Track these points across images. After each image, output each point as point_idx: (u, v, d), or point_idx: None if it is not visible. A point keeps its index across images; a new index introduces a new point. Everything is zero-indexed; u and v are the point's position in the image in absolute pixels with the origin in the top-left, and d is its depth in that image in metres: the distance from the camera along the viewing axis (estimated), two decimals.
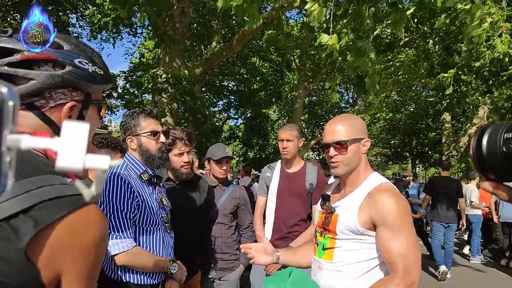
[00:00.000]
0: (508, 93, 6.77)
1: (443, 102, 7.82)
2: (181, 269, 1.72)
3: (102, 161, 0.41)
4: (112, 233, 1.48)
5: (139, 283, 1.56)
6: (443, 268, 5.63)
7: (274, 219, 2.58)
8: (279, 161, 2.72)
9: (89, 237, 0.64)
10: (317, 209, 1.60)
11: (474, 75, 6.53)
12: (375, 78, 4.05)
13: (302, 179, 2.56)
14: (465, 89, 6.99)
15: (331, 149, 1.40)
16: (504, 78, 5.96)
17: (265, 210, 2.72)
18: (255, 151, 20.96)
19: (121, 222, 1.51)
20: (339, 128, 1.41)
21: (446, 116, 14.06)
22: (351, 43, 3.61)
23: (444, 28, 6.21)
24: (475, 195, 7.06)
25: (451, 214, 5.72)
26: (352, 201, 1.37)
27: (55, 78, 0.73)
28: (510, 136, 0.58)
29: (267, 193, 2.66)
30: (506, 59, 5.20)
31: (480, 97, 8.50)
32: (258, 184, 2.74)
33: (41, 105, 0.74)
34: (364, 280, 1.30)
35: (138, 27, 12.13)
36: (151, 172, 1.73)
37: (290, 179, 2.58)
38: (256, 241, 2.64)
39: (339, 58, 3.99)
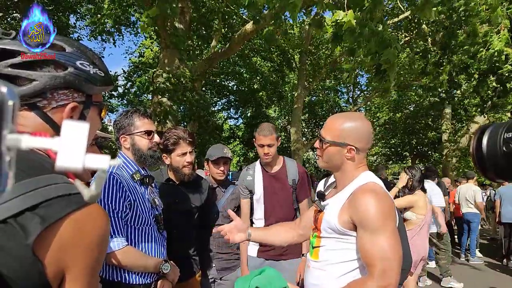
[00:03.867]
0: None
1: (438, 95, 7.87)
2: (173, 269, 1.72)
3: (102, 161, 0.41)
4: None
5: (131, 282, 1.56)
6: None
7: (263, 223, 2.54)
8: (258, 162, 2.65)
9: (94, 234, 0.66)
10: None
11: (472, 72, 6.54)
12: (395, 65, 4.06)
13: (284, 177, 2.54)
14: (460, 92, 7.00)
15: (318, 141, 1.43)
16: (496, 77, 5.96)
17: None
18: (256, 151, 20.94)
19: (113, 222, 1.51)
20: (329, 125, 1.40)
21: (446, 113, 14.03)
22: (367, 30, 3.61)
23: (442, 22, 6.21)
24: (479, 196, 7.07)
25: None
26: (337, 200, 1.36)
27: (57, 79, 0.74)
28: (510, 136, 0.58)
29: (250, 196, 2.60)
30: (503, 57, 5.20)
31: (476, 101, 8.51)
32: (238, 187, 2.65)
33: (43, 105, 0.75)
34: (346, 280, 1.29)
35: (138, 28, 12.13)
36: (143, 172, 1.74)
37: (273, 179, 2.55)
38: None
39: (355, 47, 3.95)
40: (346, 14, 3.44)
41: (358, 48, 3.93)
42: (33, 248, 0.58)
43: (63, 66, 0.76)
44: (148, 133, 1.72)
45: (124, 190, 1.55)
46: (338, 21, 3.50)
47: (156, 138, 1.76)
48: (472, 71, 6.42)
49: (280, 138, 2.57)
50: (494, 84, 6.38)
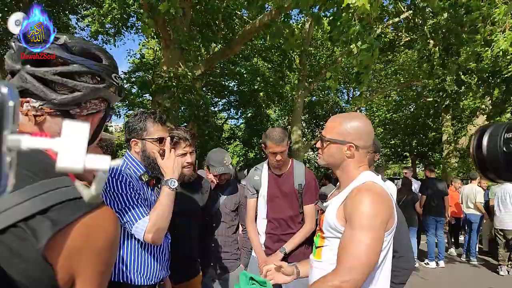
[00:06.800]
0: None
1: (442, 99, 7.84)
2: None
3: (103, 162, 0.41)
4: (130, 220, 1.47)
5: (134, 283, 1.55)
6: (433, 264, 6.46)
7: (266, 223, 2.51)
8: (265, 163, 2.62)
9: (105, 238, 0.65)
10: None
11: (474, 76, 6.51)
12: (369, 70, 4.17)
13: (290, 180, 2.51)
14: (464, 90, 6.96)
15: (319, 141, 1.45)
16: (502, 77, 5.93)
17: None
18: (256, 151, 20.94)
19: (135, 206, 1.48)
20: (329, 125, 1.44)
21: (447, 116, 14.04)
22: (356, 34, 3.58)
23: (445, 26, 6.20)
24: (481, 196, 7.05)
25: (441, 209, 6.66)
26: (338, 199, 1.37)
27: (97, 92, 0.79)
28: (510, 136, 0.58)
29: (256, 196, 2.58)
30: (508, 57, 5.16)
31: (478, 101, 8.49)
32: (246, 187, 2.64)
33: (75, 113, 0.78)
34: None
35: (139, 29, 12.13)
36: (151, 173, 1.73)
37: (278, 181, 2.52)
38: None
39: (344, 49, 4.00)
40: None
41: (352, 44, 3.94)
42: (44, 252, 0.57)
43: (99, 76, 0.79)
44: (160, 140, 1.69)
45: (135, 188, 1.54)
46: (351, 5, 3.35)
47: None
48: (479, 75, 6.39)
49: (289, 141, 2.52)
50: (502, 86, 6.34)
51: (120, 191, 1.49)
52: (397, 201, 6.25)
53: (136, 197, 1.51)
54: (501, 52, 5.09)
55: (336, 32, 3.97)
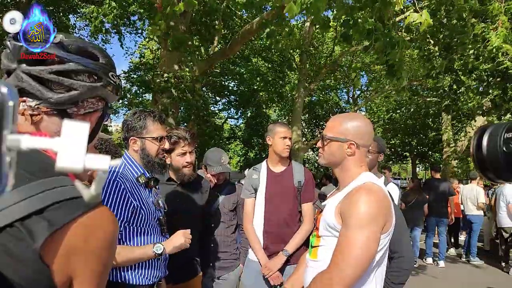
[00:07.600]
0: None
1: (442, 98, 7.82)
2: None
3: (102, 161, 0.41)
4: None
5: (133, 283, 1.54)
6: (429, 260, 6.71)
7: (264, 222, 2.48)
8: (264, 162, 2.62)
9: (102, 238, 0.65)
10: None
11: (473, 76, 6.50)
12: (402, 64, 4.16)
13: (289, 178, 2.50)
14: (463, 90, 6.93)
15: (320, 140, 1.47)
16: (499, 76, 5.92)
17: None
18: (256, 151, 20.94)
19: None
20: (330, 124, 1.46)
21: (447, 116, 14.04)
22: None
23: (446, 24, 6.18)
24: (482, 197, 7.05)
25: (444, 210, 6.72)
26: (336, 198, 1.37)
27: (94, 90, 0.79)
28: (510, 136, 0.58)
29: (255, 196, 2.54)
30: (499, 55, 5.15)
31: (476, 101, 8.48)
32: (243, 187, 2.60)
33: (72, 112, 0.78)
34: None
35: (139, 28, 12.10)
36: (148, 175, 1.72)
37: (277, 179, 2.50)
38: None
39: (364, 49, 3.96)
40: (421, 15, 3.31)
41: (369, 45, 3.92)
42: (40, 253, 0.57)
43: (96, 75, 0.79)
44: (160, 139, 1.69)
45: (127, 197, 1.52)
46: (414, 22, 3.41)
47: (166, 144, 1.74)
48: (481, 73, 6.38)
49: None
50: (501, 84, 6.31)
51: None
52: (408, 202, 6.27)
53: (117, 217, 1.49)
54: (494, 49, 5.10)
55: (353, 31, 3.94)
